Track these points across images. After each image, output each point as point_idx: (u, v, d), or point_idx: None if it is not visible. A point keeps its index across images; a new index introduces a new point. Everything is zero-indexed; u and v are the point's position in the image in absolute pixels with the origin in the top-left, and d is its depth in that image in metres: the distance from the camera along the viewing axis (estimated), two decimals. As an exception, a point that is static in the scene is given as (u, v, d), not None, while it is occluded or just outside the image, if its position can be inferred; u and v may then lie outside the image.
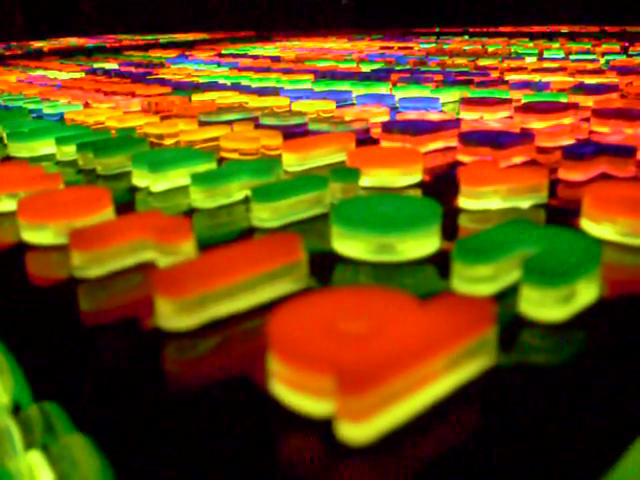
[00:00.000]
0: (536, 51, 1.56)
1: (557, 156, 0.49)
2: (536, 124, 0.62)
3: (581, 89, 0.80)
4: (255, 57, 1.62)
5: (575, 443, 0.20)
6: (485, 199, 0.38)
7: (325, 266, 0.31)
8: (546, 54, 1.51)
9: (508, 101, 0.71)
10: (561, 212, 0.38)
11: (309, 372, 0.19)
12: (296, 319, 0.21)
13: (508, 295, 0.27)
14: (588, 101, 0.75)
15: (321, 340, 0.20)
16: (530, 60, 1.35)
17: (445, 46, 1.81)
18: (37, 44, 2.92)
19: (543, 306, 0.25)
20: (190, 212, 0.40)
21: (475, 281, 0.27)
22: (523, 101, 0.75)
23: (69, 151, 0.55)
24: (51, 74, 1.42)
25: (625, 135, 0.56)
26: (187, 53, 1.83)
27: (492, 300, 0.22)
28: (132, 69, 1.45)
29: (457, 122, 0.58)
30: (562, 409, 0.21)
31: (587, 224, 0.35)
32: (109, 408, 0.24)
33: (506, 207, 0.38)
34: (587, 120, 0.64)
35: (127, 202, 0.43)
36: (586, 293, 0.26)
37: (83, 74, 1.40)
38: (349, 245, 0.32)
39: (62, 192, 0.40)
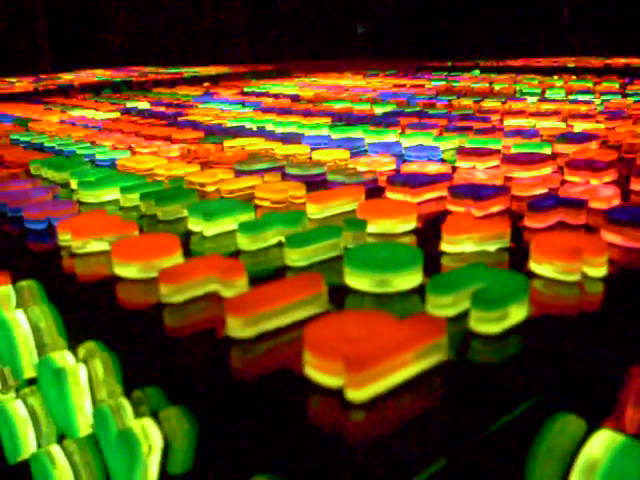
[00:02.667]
0: (539, 90, 1.70)
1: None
2: (518, 174, 0.76)
3: (565, 138, 0.93)
4: (276, 96, 1.78)
5: (498, 413, 0.33)
6: (460, 244, 0.51)
7: (340, 296, 0.44)
8: (548, 93, 1.64)
9: (497, 152, 0.85)
10: (517, 254, 0.51)
11: (328, 360, 0.32)
12: (321, 329, 0.35)
13: (463, 316, 0.40)
14: (570, 150, 0.89)
15: (336, 341, 0.33)
16: (531, 101, 1.49)
17: (455, 83, 1.96)
18: (65, 77, 3.09)
19: (484, 323, 0.38)
20: (237, 253, 0.54)
21: (441, 307, 0.40)
22: (512, 150, 0.88)
23: (132, 198, 0.69)
24: (89, 114, 1.58)
25: (587, 187, 0.69)
26: (212, 91, 1.98)
27: (445, 319, 0.36)
28: (163, 108, 1.61)
29: (449, 176, 0.72)
30: (493, 390, 0.34)
31: (533, 265, 0.48)
32: (196, 388, 0.38)
33: (477, 250, 0.52)
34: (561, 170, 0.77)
35: (186, 243, 0.56)
36: (517, 314, 0.39)
37: (119, 114, 1.55)
38: (357, 280, 0.45)
39: (144, 237, 0.54)
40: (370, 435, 0.30)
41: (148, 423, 0.38)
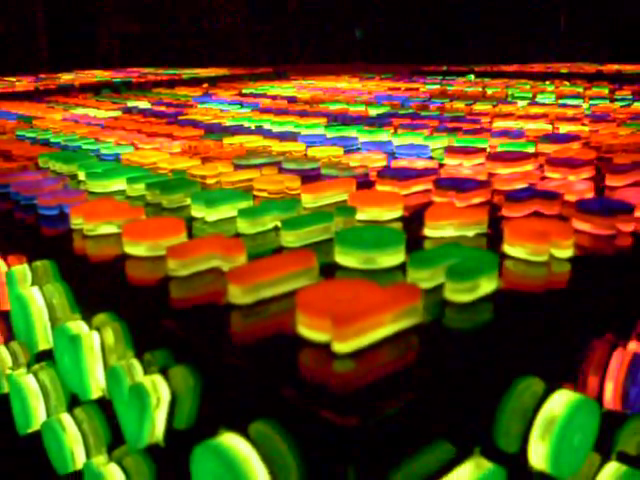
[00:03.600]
0: (530, 95, 1.76)
1: (506, 198, 0.67)
2: (501, 170, 0.81)
3: (548, 139, 0.99)
4: (274, 97, 1.83)
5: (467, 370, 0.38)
6: (441, 230, 0.57)
7: (330, 271, 0.50)
8: (539, 97, 1.70)
9: (483, 150, 0.90)
10: (493, 238, 0.56)
11: (317, 318, 0.37)
12: (311, 293, 0.40)
13: (439, 287, 0.45)
14: (552, 149, 0.94)
15: (324, 302, 0.38)
16: (521, 104, 1.54)
17: (449, 87, 2.01)
18: (65, 76, 3.14)
19: (457, 294, 0.43)
20: (237, 236, 0.59)
21: (420, 280, 0.45)
22: (498, 149, 0.94)
23: (138, 188, 0.74)
24: (91, 112, 1.63)
25: (564, 182, 0.74)
26: (211, 92, 2.04)
27: (419, 287, 0.41)
28: (164, 108, 1.66)
29: (435, 170, 0.77)
30: (463, 352, 0.39)
31: (507, 247, 0.53)
32: (201, 348, 0.43)
33: (456, 235, 0.57)
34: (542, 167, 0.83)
35: (190, 227, 0.61)
36: (487, 286, 0.45)
37: (120, 113, 1.60)
38: (346, 258, 0.50)
39: (152, 220, 0.59)
40: (352, 382, 0.35)
41: (157, 379, 0.43)
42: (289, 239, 0.55)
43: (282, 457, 0.35)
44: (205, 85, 2.50)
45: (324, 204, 0.67)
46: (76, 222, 0.62)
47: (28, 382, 0.66)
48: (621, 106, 1.48)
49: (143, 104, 1.78)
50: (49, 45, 4.38)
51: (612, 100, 1.61)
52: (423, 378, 0.36)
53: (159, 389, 0.43)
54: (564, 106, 1.49)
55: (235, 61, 4.01)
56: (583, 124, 1.19)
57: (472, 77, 2.49)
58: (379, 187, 0.73)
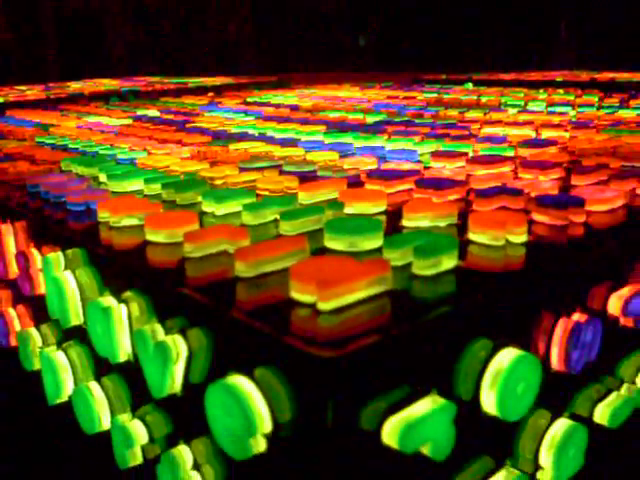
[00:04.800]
0: (522, 102, 1.86)
1: (478, 195, 0.78)
2: (478, 172, 0.91)
3: (526, 144, 1.09)
4: (277, 106, 1.94)
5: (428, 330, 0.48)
6: (417, 221, 0.67)
7: (320, 254, 0.60)
8: (530, 105, 1.80)
9: (465, 154, 1.01)
10: (461, 228, 0.67)
11: (306, 284, 0.48)
12: (302, 266, 0.50)
13: (408, 265, 0.55)
14: (529, 153, 1.04)
15: (312, 271, 0.49)
16: (512, 112, 1.65)
17: (445, 95, 2.12)
18: (74, 85, 3.26)
19: (422, 269, 0.54)
20: (241, 226, 0.69)
21: (393, 259, 0.55)
22: (480, 153, 1.04)
23: (155, 188, 0.85)
24: (103, 120, 1.74)
25: (532, 181, 0.84)
26: (217, 101, 2.15)
27: (388, 261, 0.51)
28: (172, 116, 1.77)
29: (418, 172, 0.88)
30: (426, 311, 0.50)
31: (471, 234, 0.63)
32: (213, 314, 0.53)
33: (431, 225, 0.67)
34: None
35: (201, 220, 0.72)
36: (447, 263, 0.55)
37: (131, 120, 1.71)
38: (333, 242, 0.61)
39: (169, 213, 0.69)
40: (332, 331, 0.46)
41: (176, 338, 0.53)
42: (286, 228, 0.65)
43: (277, 393, 0.46)
44: (211, 94, 2.61)
45: (318, 200, 0.77)
46: (103, 215, 0.73)
47: (58, 357, 0.77)
48: (606, 113, 1.58)
49: (152, 112, 1.89)
50: (58, 54, 4.51)
51: (599, 108, 1.71)
52: (391, 331, 0.47)
53: (178, 346, 0.53)
54: (552, 113, 1.60)
55: (240, 69, 4.13)
56: (565, 130, 1.30)
57: (470, 85, 2.59)
58: (368, 186, 0.83)
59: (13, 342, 0.92)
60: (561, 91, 2.18)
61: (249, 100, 2.18)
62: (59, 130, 1.54)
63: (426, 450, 0.47)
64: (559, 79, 2.55)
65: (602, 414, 0.69)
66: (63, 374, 0.77)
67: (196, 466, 0.57)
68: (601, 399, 0.70)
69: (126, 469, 0.65)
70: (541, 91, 2.19)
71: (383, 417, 0.45)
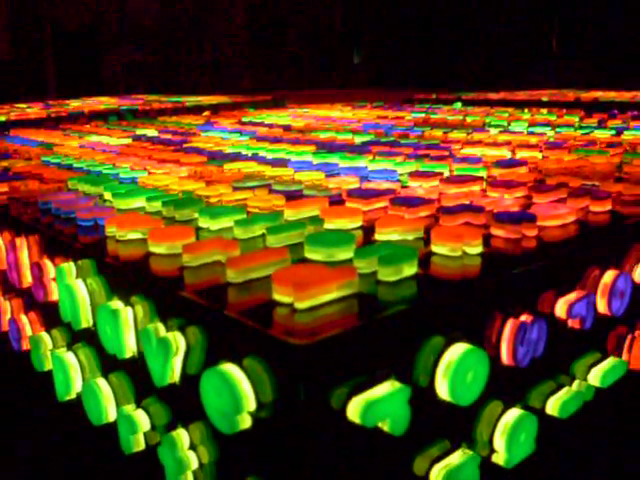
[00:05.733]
0: (505, 123, 1.97)
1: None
2: (450, 190, 1.02)
3: (498, 164, 1.19)
4: (270, 125, 2.05)
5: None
6: (388, 234, 0.77)
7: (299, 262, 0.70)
8: (512, 125, 1.91)
9: (440, 174, 1.11)
10: (426, 241, 0.77)
11: (285, 287, 0.58)
12: (282, 272, 0.61)
13: (374, 272, 0.65)
14: (499, 172, 1.15)
15: (290, 277, 0.59)
16: (493, 132, 1.76)
17: (433, 115, 2.23)
18: (73, 104, 3.37)
19: (386, 276, 0.64)
20: (233, 239, 0.79)
21: (361, 268, 0.66)
22: (454, 173, 1.15)
23: (156, 205, 0.95)
24: (104, 139, 1.85)
25: (497, 199, 0.95)
26: (213, 121, 2.26)
27: (355, 269, 0.61)
28: (170, 136, 1.88)
29: (394, 191, 0.98)
30: (391, 317, 0.60)
31: (435, 246, 0.74)
32: (207, 315, 0.63)
33: (400, 239, 0.77)
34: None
35: (197, 234, 0.82)
36: (408, 270, 0.65)
37: (130, 140, 1.82)
38: (312, 253, 0.71)
39: (169, 228, 0.80)
40: (307, 325, 0.56)
41: (176, 334, 0.63)
42: (271, 241, 0.75)
43: (260, 377, 0.55)
44: (206, 113, 2.72)
45: (302, 217, 0.87)
46: (110, 230, 0.83)
47: (68, 358, 0.87)
48: (582, 134, 1.69)
49: (150, 132, 2.00)
50: (56, 72, 4.63)
51: (578, 128, 1.82)
52: (357, 326, 0.57)
53: (178, 341, 0.63)
54: (531, 134, 1.71)
55: (235, 88, 4.26)
56: (540, 151, 1.40)
57: (459, 105, 2.71)
58: (348, 204, 0.94)
59: (25, 346, 1.02)
60: (544, 111, 2.29)
61: (244, 120, 2.29)
62: (63, 149, 1.65)
63: (386, 426, 0.57)
64: (545, 99, 2.67)
65: (554, 406, 0.79)
66: (72, 373, 0.87)
67: (192, 446, 0.67)
68: (553, 393, 0.80)
69: (130, 454, 0.75)
70: (525, 111, 2.30)
71: (348, 397, 0.55)
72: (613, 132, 1.70)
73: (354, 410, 0.55)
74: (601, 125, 1.89)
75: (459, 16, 5.03)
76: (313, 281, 0.58)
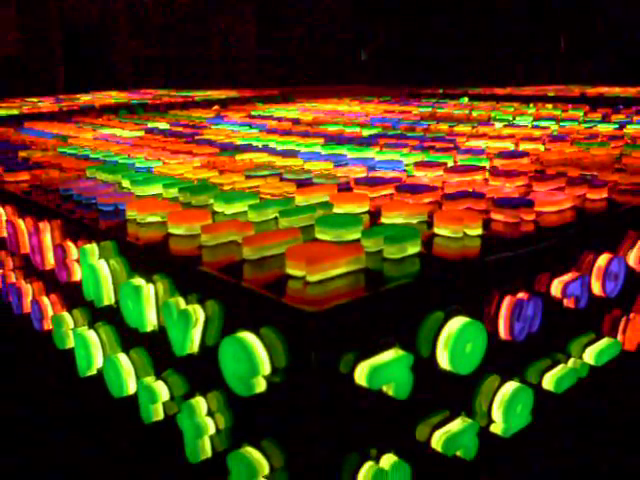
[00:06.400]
0: (511, 117, 2.02)
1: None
2: (455, 179, 1.07)
3: (501, 155, 1.24)
4: (279, 119, 2.10)
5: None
6: (393, 218, 0.82)
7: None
8: (517, 119, 1.96)
9: (444, 164, 1.16)
10: (429, 224, 0.82)
11: (297, 261, 0.63)
12: (295, 248, 0.66)
13: (380, 251, 0.71)
14: (502, 163, 1.20)
15: (303, 252, 0.64)
16: (498, 126, 1.80)
17: (439, 110, 2.28)
18: (83, 98, 3.43)
19: (391, 254, 0.69)
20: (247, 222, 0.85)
21: (368, 247, 0.71)
22: (458, 163, 1.20)
23: (172, 192, 1.00)
24: (117, 132, 1.91)
25: (503, 186, 1.00)
26: (222, 114, 2.32)
27: (362, 246, 0.67)
28: (181, 129, 1.93)
29: (400, 179, 1.03)
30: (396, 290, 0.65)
31: (437, 228, 0.79)
32: (224, 287, 0.68)
33: (405, 222, 0.82)
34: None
35: (213, 218, 0.87)
36: (411, 249, 0.70)
37: (143, 133, 1.88)
38: (322, 234, 0.76)
39: (188, 211, 0.85)
40: (318, 295, 0.61)
41: (196, 307, 0.69)
42: (284, 224, 0.81)
43: (275, 343, 0.61)
44: (216, 107, 2.78)
45: (312, 203, 0.93)
46: (131, 213, 0.89)
47: (90, 335, 0.92)
48: (585, 128, 1.73)
49: (162, 125, 2.05)
50: (65, 67, 4.70)
51: (581, 122, 1.87)
52: (363, 296, 0.62)
53: (197, 313, 0.68)
54: (536, 127, 1.75)
55: (243, 83, 4.31)
56: (542, 143, 1.45)
57: (465, 100, 2.75)
58: (356, 191, 0.99)
59: (46, 326, 1.08)
60: (550, 106, 2.34)
61: (253, 113, 2.34)
62: (77, 141, 1.71)
63: (390, 390, 0.63)
64: (551, 94, 2.71)
65: (549, 381, 0.84)
66: (93, 349, 0.92)
67: (210, 413, 0.72)
68: (549, 369, 0.85)
69: (150, 423, 0.80)
70: (530, 105, 2.35)
71: (355, 362, 0.61)
72: (616, 126, 1.74)
73: (361, 374, 0.60)
74: (605, 119, 1.94)
75: (468, 14, 5.08)
76: (324, 256, 0.64)
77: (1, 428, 1.00)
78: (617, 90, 2.95)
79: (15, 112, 2.62)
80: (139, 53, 5.04)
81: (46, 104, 3.06)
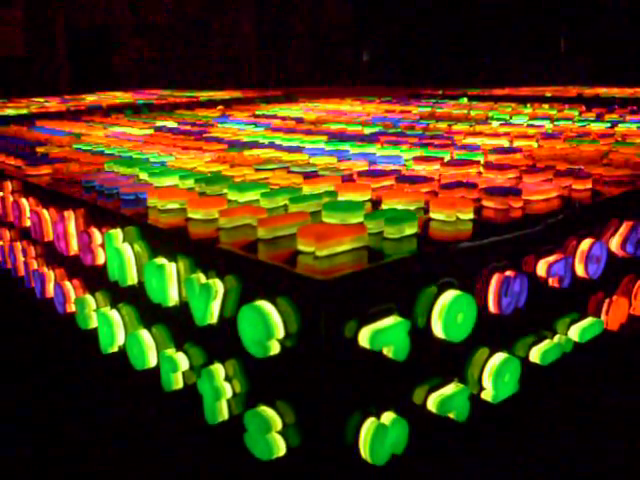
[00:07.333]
0: (507, 116, 2.11)
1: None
2: (450, 172, 1.16)
3: (495, 151, 1.33)
4: (283, 118, 2.19)
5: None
6: (393, 205, 0.91)
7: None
8: (513, 119, 2.05)
9: (441, 159, 1.25)
10: (425, 209, 0.91)
11: (307, 238, 0.72)
12: (306, 227, 0.75)
13: (381, 232, 0.80)
14: (495, 158, 1.29)
15: (312, 230, 0.73)
16: (494, 125, 1.89)
17: (438, 110, 2.37)
18: (89, 98, 3.52)
19: (391, 234, 0.78)
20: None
21: (371, 228, 0.80)
22: (454, 158, 1.29)
23: (188, 183, 1.09)
24: (127, 130, 2.00)
25: (495, 178, 1.09)
26: (228, 114, 2.41)
27: (365, 226, 0.76)
28: (189, 127, 2.02)
29: (399, 172, 1.12)
30: (395, 265, 0.74)
31: (433, 213, 0.88)
32: (242, 263, 0.77)
33: (403, 208, 0.91)
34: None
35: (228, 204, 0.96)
36: (409, 230, 0.79)
37: (152, 131, 1.97)
38: (329, 218, 0.85)
39: (205, 198, 0.94)
40: (326, 268, 0.70)
41: (216, 280, 0.78)
42: (293, 209, 0.90)
43: (288, 309, 0.70)
44: (220, 107, 2.87)
45: (318, 192, 1.02)
46: (151, 201, 0.98)
47: (113, 315, 1.01)
48: (578, 126, 1.82)
49: (170, 124, 2.14)
50: (69, 68, 4.79)
51: (576, 121, 1.95)
52: (366, 268, 0.71)
53: (217, 286, 0.77)
54: (531, 126, 1.84)
55: (246, 84, 4.40)
56: (536, 141, 1.54)
57: (465, 100, 2.84)
58: (358, 182, 1.08)
59: (68, 309, 1.16)
60: (546, 106, 2.43)
61: (258, 113, 2.43)
62: (90, 138, 1.80)
63: (389, 353, 0.71)
64: (548, 94, 2.80)
65: (536, 354, 0.93)
66: (116, 328, 1.01)
67: (227, 379, 0.81)
68: (536, 343, 0.94)
69: (170, 391, 0.89)
70: (527, 106, 2.44)
71: (358, 327, 0.69)
72: (608, 125, 1.83)
73: (364, 337, 0.69)
74: (598, 118, 2.03)
75: (468, 16, 5.17)
76: (331, 234, 0.73)
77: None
78: (614, 91, 3.04)
79: (24, 111, 2.71)
80: (142, 54, 5.13)
81: (53, 104, 3.15)
